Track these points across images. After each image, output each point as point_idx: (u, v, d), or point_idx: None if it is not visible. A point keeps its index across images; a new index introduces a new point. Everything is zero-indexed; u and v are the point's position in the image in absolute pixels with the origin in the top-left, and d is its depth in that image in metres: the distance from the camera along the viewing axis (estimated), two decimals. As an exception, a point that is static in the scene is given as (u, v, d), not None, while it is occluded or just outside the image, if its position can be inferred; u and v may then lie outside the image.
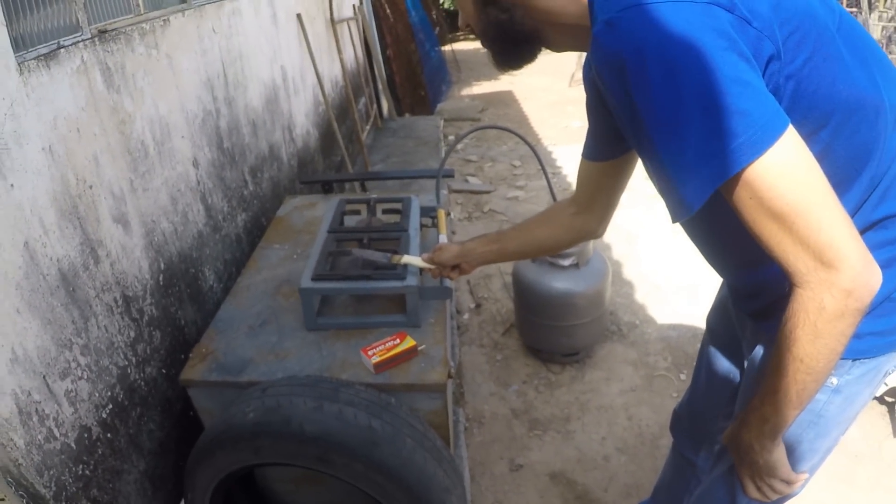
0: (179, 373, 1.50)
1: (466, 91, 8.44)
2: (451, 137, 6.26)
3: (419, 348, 1.53)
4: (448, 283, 1.63)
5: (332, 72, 4.05)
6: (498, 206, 4.41)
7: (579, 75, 8.65)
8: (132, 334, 1.45)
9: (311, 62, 3.15)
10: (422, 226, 2.00)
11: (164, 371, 1.59)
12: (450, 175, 2.45)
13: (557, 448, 2.34)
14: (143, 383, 1.49)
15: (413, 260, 1.61)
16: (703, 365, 1.52)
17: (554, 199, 2.47)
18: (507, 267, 3.59)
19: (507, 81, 8.88)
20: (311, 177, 2.99)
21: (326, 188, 2.60)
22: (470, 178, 4.91)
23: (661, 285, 3.31)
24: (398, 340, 1.52)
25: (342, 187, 3.59)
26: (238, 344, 1.58)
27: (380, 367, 1.46)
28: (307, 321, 1.61)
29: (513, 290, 2.78)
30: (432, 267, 1.57)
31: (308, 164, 3.31)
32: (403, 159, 4.69)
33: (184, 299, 1.73)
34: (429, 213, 2.10)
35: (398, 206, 2.06)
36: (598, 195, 1.33)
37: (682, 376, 2.68)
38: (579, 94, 7.98)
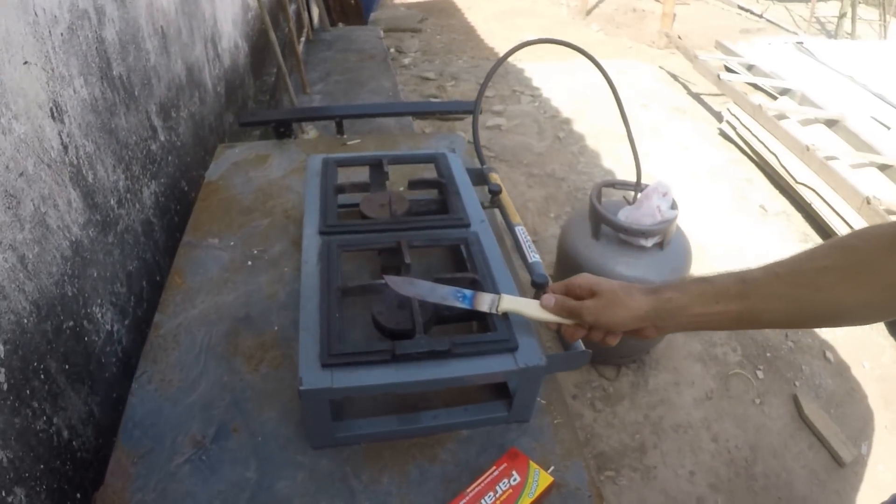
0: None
1: (400, -1, 7.35)
2: (394, 50, 5.29)
3: (549, 471, 0.78)
4: (581, 343, 0.87)
5: (258, -37, 3.01)
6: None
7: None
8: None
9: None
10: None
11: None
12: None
13: (639, 494, 1.69)
14: None
15: (522, 306, 0.83)
16: None
17: (637, 168, 1.70)
18: (546, 231, 2.83)
19: (445, -11, 7.84)
20: (259, 115, 2.02)
21: (281, 130, 1.71)
22: (435, 101, 4.02)
23: (704, 246, 2.66)
24: (516, 475, 0.76)
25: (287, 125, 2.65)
26: (181, 488, 0.78)
27: (499, 554, 0.70)
28: (314, 434, 0.82)
29: (557, 271, 2.05)
30: (568, 323, 0.80)
31: (237, 90, 2.37)
32: (348, 77, 3.76)
33: (58, 390, 0.88)
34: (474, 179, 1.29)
35: (429, 168, 1.25)
36: None
37: (760, 374, 2.07)
38: (526, 4, 7.12)
